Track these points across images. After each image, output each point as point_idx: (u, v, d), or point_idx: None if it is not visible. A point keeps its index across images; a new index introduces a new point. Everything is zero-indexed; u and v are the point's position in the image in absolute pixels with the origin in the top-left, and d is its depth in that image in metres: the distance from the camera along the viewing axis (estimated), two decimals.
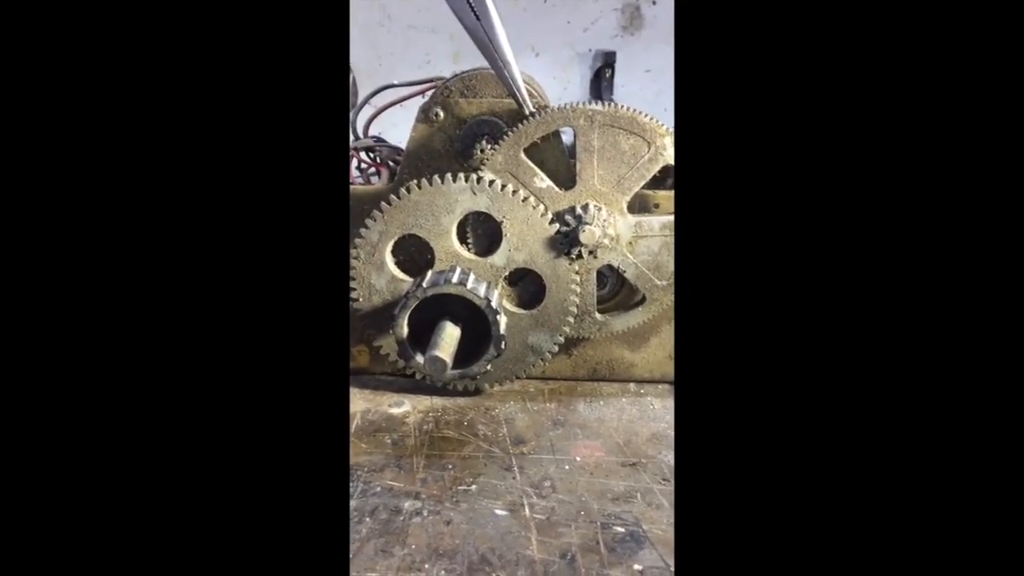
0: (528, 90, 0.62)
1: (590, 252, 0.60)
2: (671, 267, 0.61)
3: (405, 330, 0.58)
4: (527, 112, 0.58)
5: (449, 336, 0.56)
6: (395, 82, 0.74)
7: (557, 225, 0.59)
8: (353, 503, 0.48)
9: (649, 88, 1.80)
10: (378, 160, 0.75)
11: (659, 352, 0.67)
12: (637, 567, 0.43)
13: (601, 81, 1.79)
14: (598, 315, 0.63)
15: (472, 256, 0.61)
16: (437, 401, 0.64)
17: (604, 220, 0.59)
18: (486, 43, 0.52)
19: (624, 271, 0.62)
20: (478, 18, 0.52)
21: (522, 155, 0.59)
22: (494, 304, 0.56)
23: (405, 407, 0.63)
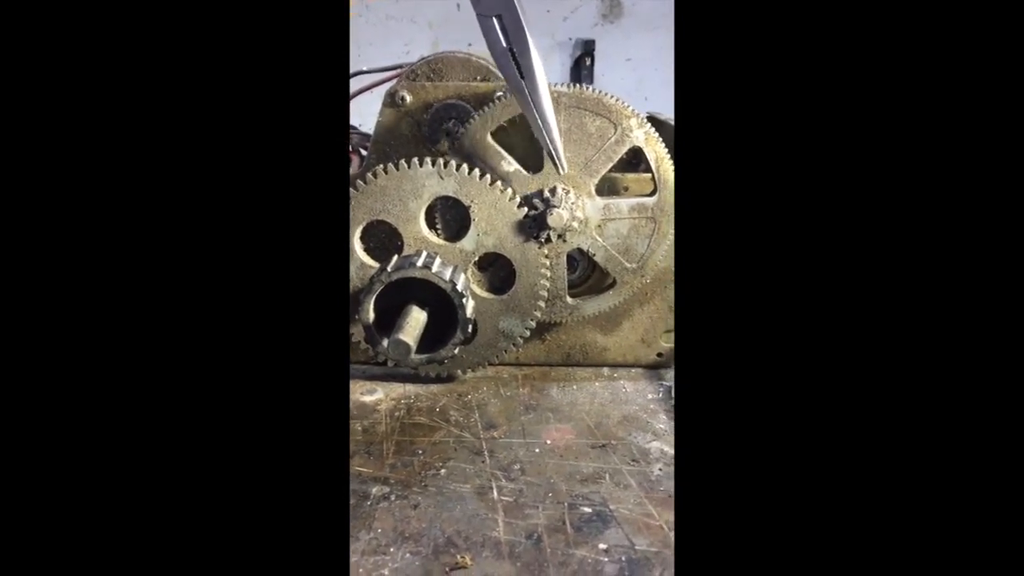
0: (498, 72, 0.62)
1: (559, 235, 0.59)
2: (640, 249, 0.61)
3: (371, 315, 0.57)
4: (561, 173, 0.58)
5: (414, 320, 0.56)
6: (364, 68, 0.73)
7: (525, 209, 0.59)
8: None
9: (630, 77, 1.80)
10: (349, 147, 0.74)
11: (631, 336, 0.67)
12: (602, 546, 0.43)
13: (581, 70, 1.79)
14: (569, 299, 0.63)
15: (441, 241, 0.61)
16: (410, 388, 0.63)
17: (572, 203, 0.59)
18: (528, 103, 0.53)
19: (594, 254, 0.61)
20: (523, 76, 0.52)
21: (489, 138, 0.59)
22: (459, 287, 0.56)
23: (377, 395, 0.62)
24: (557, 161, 0.56)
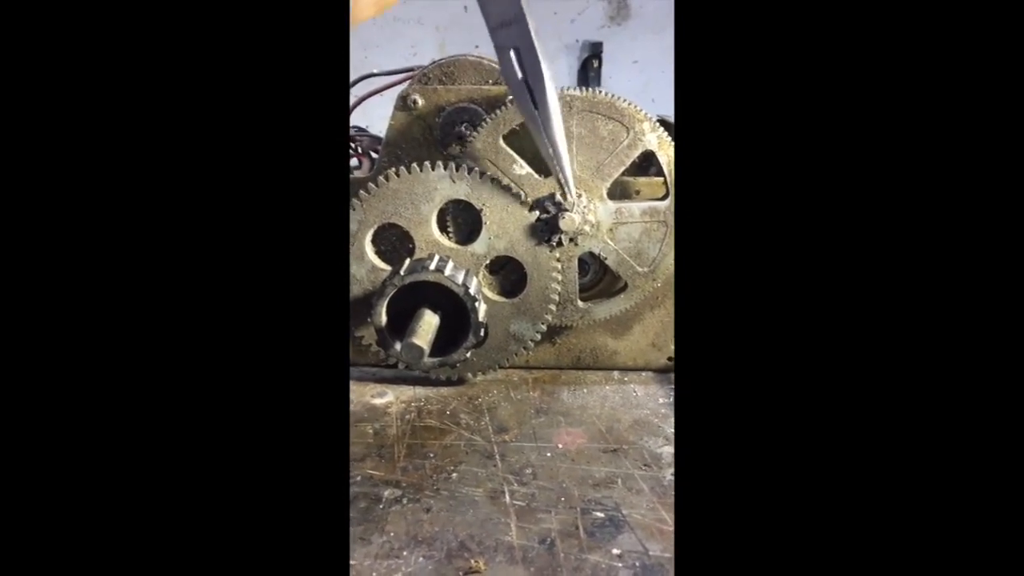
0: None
1: (571, 239, 0.59)
2: (652, 253, 0.61)
3: (383, 318, 0.57)
4: (571, 199, 0.58)
5: (427, 324, 0.56)
6: (375, 71, 0.73)
7: (537, 212, 0.59)
8: None
9: (637, 78, 1.80)
10: (359, 150, 0.74)
11: (642, 340, 0.67)
12: (616, 551, 0.43)
13: (588, 72, 1.79)
14: (580, 303, 0.63)
15: (452, 244, 0.61)
16: (420, 391, 0.63)
17: (584, 207, 0.59)
18: (541, 133, 0.54)
19: (605, 258, 0.61)
20: (537, 108, 0.53)
21: (501, 142, 0.59)
22: (472, 291, 0.56)
23: (388, 397, 0.62)
24: (566, 189, 0.56)
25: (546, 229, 0.59)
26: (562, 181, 0.56)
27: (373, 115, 0.79)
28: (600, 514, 0.46)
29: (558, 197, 0.59)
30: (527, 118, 0.54)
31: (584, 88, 0.59)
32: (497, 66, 0.62)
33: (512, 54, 0.51)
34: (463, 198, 0.59)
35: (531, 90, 0.52)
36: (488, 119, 0.59)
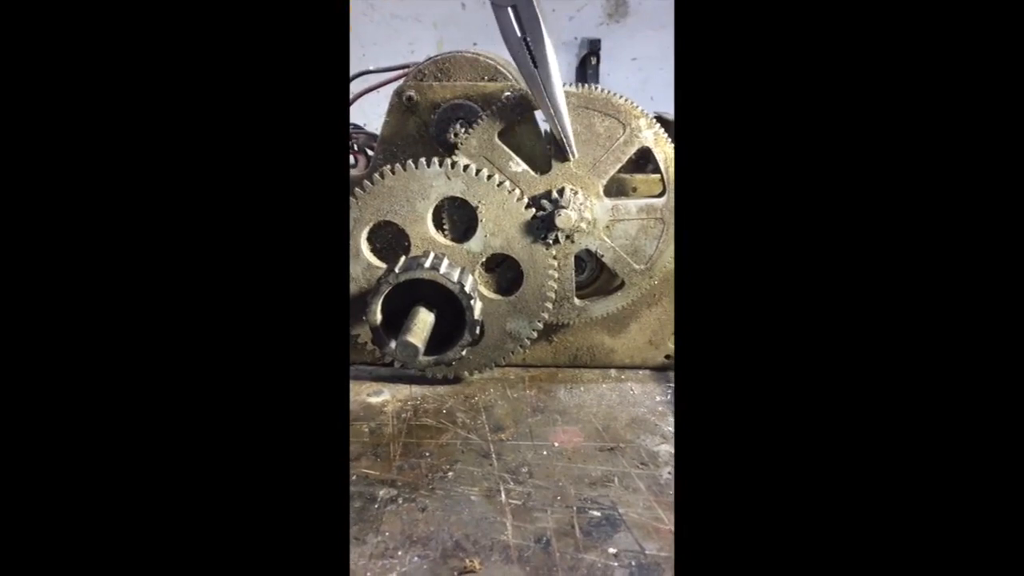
0: (506, 72, 0.61)
1: (567, 236, 0.59)
2: (649, 251, 0.61)
3: (379, 316, 0.57)
4: (572, 158, 0.58)
5: (422, 322, 0.55)
6: (371, 68, 0.73)
7: (533, 210, 0.59)
8: None
9: (635, 76, 1.79)
10: (355, 148, 0.74)
11: (639, 338, 0.66)
12: (612, 550, 0.42)
13: (587, 69, 1.78)
14: (577, 300, 0.63)
15: (448, 242, 0.60)
16: (416, 390, 0.63)
17: (580, 204, 0.59)
18: (541, 92, 0.54)
19: (602, 255, 0.61)
20: (536, 66, 0.53)
21: (497, 139, 0.59)
22: (467, 289, 0.56)
23: (384, 396, 0.62)
24: (569, 148, 0.57)
25: (542, 226, 0.59)
26: (564, 141, 0.56)
27: (371, 112, 0.78)
28: (596, 513, 0.46)
29: (555, 194, 0.58)
30: (527, 77, 0.54)
31: (580, 84, 0.58)
32: (493, 62, 0.62)
33: (510, 12, 0.51)
34: (459, 195, 0.58)
35: (530, 48, 0.52)
36: (484, 116, 0.59)
